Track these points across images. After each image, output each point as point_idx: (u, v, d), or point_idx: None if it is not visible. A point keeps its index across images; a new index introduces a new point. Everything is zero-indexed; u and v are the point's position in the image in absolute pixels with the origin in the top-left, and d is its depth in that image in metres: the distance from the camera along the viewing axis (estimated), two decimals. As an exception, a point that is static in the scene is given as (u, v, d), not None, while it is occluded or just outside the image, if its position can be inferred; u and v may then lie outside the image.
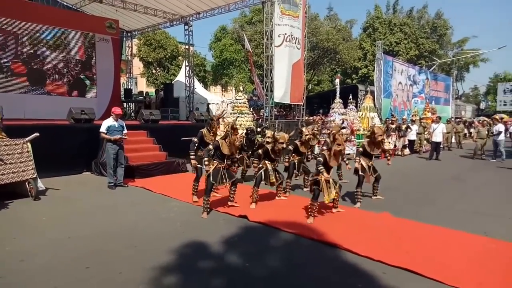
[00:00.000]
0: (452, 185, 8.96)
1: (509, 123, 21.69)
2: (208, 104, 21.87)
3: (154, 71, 31.63)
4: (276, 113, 17.25)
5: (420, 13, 36.80)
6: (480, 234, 5.05)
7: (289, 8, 13.95)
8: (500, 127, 13.78)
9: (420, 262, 4.00)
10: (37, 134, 6.90)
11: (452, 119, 24.18)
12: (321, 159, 5.68)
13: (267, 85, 13.59)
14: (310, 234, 4.90)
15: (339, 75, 22.06)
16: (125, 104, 20.72)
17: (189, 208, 6.34)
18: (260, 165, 6.60)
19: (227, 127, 5.97)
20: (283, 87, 14.00)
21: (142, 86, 33.36)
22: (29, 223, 5.42)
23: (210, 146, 5.89)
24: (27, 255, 4.12)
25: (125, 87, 20.97)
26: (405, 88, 23.83)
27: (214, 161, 5.87)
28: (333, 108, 14.68)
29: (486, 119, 21.86)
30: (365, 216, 5.94)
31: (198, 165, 6.57)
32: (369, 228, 5.27)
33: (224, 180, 5.90)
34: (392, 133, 15.04)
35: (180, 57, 30.50)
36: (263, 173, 6.46)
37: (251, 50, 15.66)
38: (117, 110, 8.24)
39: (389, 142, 14.71)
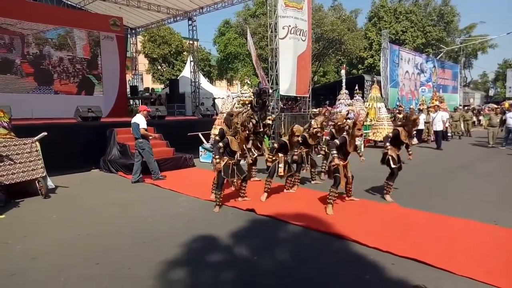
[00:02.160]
0: (461, 174, 8.87)
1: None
2: (214, 98, 21.89)
3: (159, 67, 31.70)
4: (282, 106, 17.18)
5: (426, 0, 36.22)
6: (489, 223, 5.00)
7: (293, 0, 13.83)
8: None
9: (429, 252, 3.98)
10: (45, 133, 6.97)
11: (460, 106, 23.88)
12: (336, 142, 5.70)
13: (272, 78, 13.54)
14: (317, 226, 4.91)
15: (344, 66, 21.85)
16: (131, 101, 20.85)
17: (197, 203, 6.37)
18: (274, 158, 6.56)
19: (237, 124, 6.01)
20: (289, 79, 13.93)
21: (148, 82, 33.49)
22: (39, 221, 5.50)
23: (220, 144, 5.90)
24: (38, 253, 4.19)
25: (131, 84, 21.08)
26: (412, 77, 23.57)
27: (224, 157, 5.91)
28: (339, 99, 14.60)
29: (496, 106, 21.52)
30: (372, 207, 5.91)
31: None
32: (377, 219, 5.25)
33: (235, 176, 5.98)
34: (399, 122, 14.89)
35: (185, 53, 30.49)
36: (277, 164, 6.47)
37: (254, 53, 15.57)
38: (147, 108, 8.80)
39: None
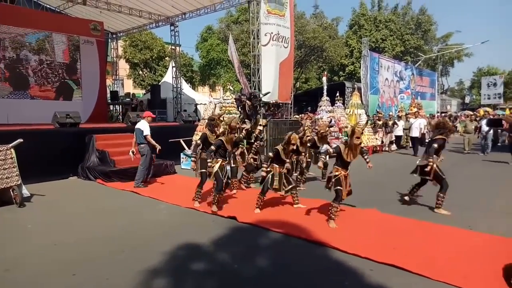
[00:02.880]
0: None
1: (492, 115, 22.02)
2: (196, 104, 21.78)
3: (140, 72, 31.36)
4: (264, 112, 17.23)
5: (404, 9, 37.23)
6: (464, 228, 5.14)
7: (275, 7, 13.96)
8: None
9: (407, 257, 4.05)
10: (20, 140, 6.78)
11: (437, 113, 24.52)
12: (329, 149, 5.63)
13: (254, 84, 13.60)
14: (298, 234, 4.93)
15: (326, 73, 22.17)
16: (111, 107, 20.52)
17: (178, 211, 6.31)
18: (268, 169, 6.07)
19: (226, 125, 6.20)
20: (271, 86, 14.01)
21: (129, 87, 33.08)
22: (14, 230, 5.33)
23: (212, 147, 5.99)
24: (12, 264, 4.05)
25: (111, 89, 20.76)
26: (391, 84, 24.09)
27: (218, 159, 6.04)
28: (320, 106, 14.76)
29: (471, 113, 22.21)
30: (352, 213, 5.99)
31: (203, 170, 6.40)
32: (357, 225, 5.32)
33: (230, 176, 6.21)
34: (379, 129, 15.19)
35: (166, 58, 30.29)
36: (270, 178, 6.00)
37: (236, 60, 15.62)
38: (152, 114, 8.90)
39: (376, 138, 14.87)
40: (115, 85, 21.52)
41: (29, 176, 7.47)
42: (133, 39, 28.41)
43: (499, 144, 16.75)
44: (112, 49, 21.05)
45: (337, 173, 5.33)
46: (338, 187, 5.28)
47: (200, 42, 33.58)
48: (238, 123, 6.67)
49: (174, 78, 18.96)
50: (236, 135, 6.37)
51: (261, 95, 9.37)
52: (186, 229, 5.27)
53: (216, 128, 6.65)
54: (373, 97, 21.11)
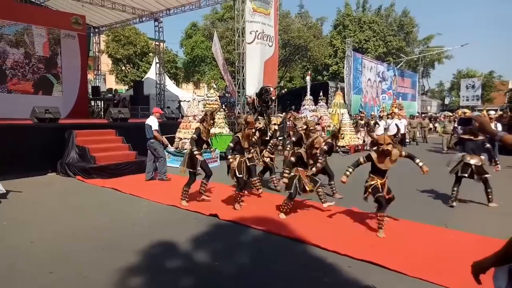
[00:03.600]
0: (415, 178, 9.27)
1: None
2: (180, 101, 21.62)
3: (123, 68, 30.89)
4: (248, 110, 17.26)
5: (387, 11, 37.79)
6: (440, 226, 5.28)
7: (260, 6, 13.98)
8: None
9: (384, 254, 4.14)
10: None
11: (418, 114, 25.03)
12: (362, 159, 5.15)
13: (239, 82, 13.59)
14: (279, 231, 4.97)
15: (309, 72, 22.32)
16: (92, 102, 20.17)
17: (159, 208, 6.26)
18: (293, 174, 5.75)
19: (243, 120, 6.07)
20: (255, 84, 14.03)
21: (111, 83, 32.52)
22: (-12, 228, 5.19)
23: (231, 144, 5.93)
24: (-15, 262, 3.95)
25: (92, 85, 20.40)
26: (374, 85, 24.48)
27: (236, 156, 5.98)
28: (304, 105, 14.87)
29: (450, 114, 22.77)
30: (333, 211, 6.05)
31: (191, 170, 6.26)
32: (337, 223, 5.39)
33: (246, 175, 6.03)
34: (361, 128, 15.40)
35: (150, 54, 29.92)
36: (297, 182, 5.64)
37: (221, 57, 15.60)
38: (160, 110, 9.09)
39: (358, 138, 15.08)
40: (97, 81, 21.16)
41: (5, 172, 7.29)
42: (116, 34, 27.95)
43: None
44: (94, 44, 20.69)
45: (372, 182, 5.05)
46: (378, 195, 4.97)
47: (185, 39, 33.29)
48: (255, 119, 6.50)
49: (157, 75, 18.77)
50: (253, 130, 6.21)
51: (271, 89, 8.85)
52: (167, 227, 5.23)
53: (206, 124, 6.32)
54: (356, 97, 21.40)
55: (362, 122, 15.57)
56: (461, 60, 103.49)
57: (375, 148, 5.15)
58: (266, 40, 14.27)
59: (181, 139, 10.77)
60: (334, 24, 37.51)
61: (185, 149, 10.42)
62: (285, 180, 5.79)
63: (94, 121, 13.59)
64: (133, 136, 10.47)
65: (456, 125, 14.27)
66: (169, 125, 11.89)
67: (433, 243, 4.57)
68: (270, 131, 7.59)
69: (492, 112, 14.71)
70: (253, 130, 6.27)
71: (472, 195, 6.98)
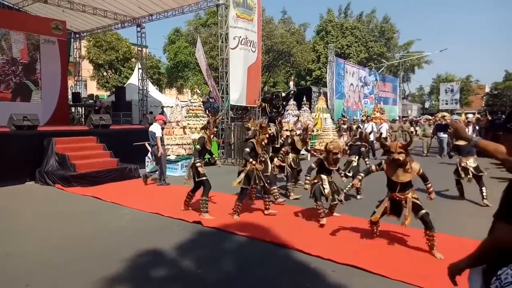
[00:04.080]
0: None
1: (449, 120, 23.18)
2: (163, 107, 21.44)
3: (105, 73, 30.46)
4: (232, 115, 17.25)
5: (369, 17, 38.49)
6: (421, 229, 5.34)
7: (244, 12, 14.03)
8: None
9: (367, 258, 4.17)
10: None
11: (399, 118, 25.49)
12: (371, 166, 4.86)
13: (222, 87, 13.57)
14: (263, 237, 4.96)
15: (293, 77, 22.55)
16: (73, 109, 19.80)
17: (141, 216, 6.16)
18: (315, 180, 5.68)
19: (256, 126, 5.96)
20: (239, 89, 14.04)
21: (92, 89, 32.04)
22: (-38, 240, 5.00)
23: (247, 149, 5.84)
24: (-42, 276, 3.80)
25: (73, 91, 20.03)
26: (356, 89, 24.84)
27: (253, 161, 5.89)
28: (287, 110, 14.95)
29: (430, 117, 23.26)
30: (316, 215, 6.07)
31: (200, 179, 5.97)
32: (320, 228, 5.41)
33: (257, 182, 5.92)
34: (343, 133, 15.55)
35: (133, 59, 29.61)
36: (321, 187, 5.56)
37: (204, 63, 15.58)
38: (163, 117, 9.46)
39: (342, 142, 15.21)
40: (78, 87, 20.77)
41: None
42: (98, 39, 27.56)
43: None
44: (75, 49, 20.35)
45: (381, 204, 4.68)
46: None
47: (168, 44, 33.11)
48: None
49: (140, 80, 18.58)
50: (267, 136, 6.07)
51: (283, 94, 8.57)
52: (149, 235, 5.16)
53: (209, 132, 6.16)
54: (339, 102, 21.65)
55: (345, 126, 15.72)
56: (440, 65, 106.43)
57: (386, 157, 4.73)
58: (250, 46, 14.33)
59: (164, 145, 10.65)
60: (316, 30, 37.98)
61: (168, 155, 10.33)
62: (307, 187, 5.77)
63: (74, 128, 13.33)
64: (115, 143, 10.33)
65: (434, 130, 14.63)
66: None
67: (415, 247, 4.63)
68: (282, 138, 7.34)
69: (470, 116, 15.10)
70: (267, 136, 6.09)
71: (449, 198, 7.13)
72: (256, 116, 15.89)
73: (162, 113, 19.93)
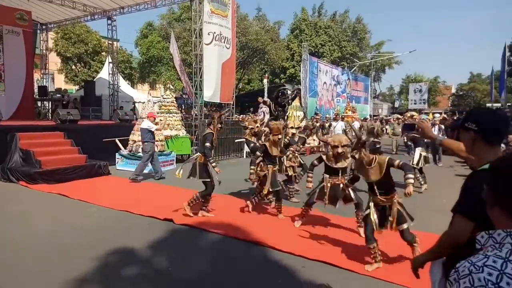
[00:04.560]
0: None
1: (417, 120, 23.96)
2: (134, 102, 20.99)
3: (73, 67, 29.42)
4: (206, 112, 17.11)
5: (342, 17, 39.14)
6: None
7: (218, 7, 13.90)
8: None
9: (337, 254, 4.25)
10: None
11: (370, 116, 26.11)
12: (313, 162, 4.80)
13: (196, 84, 13.42)
14: (236, 234, 4.95)
15: (267, 75, 22.63)
16: (39, 103, 19.02)
17: (110, 214, 6.00)
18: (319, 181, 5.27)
19: (268, 128, 5.67)
20: (213, 86, 13.93)
21: (60, 83, 30.87)
22: None
23: (258, 153, 5.63)
24: None
25: (39, 84, 19.24)
26: (329, 88, 25.22)
27: (268, 166, 5.67)
28: (261, 108, 14.97)
29: (400, 116, 23.98)
30: (289, 213, 6.12)
31: (206, 180, 5.73)
32: (291, 225, 5.46)
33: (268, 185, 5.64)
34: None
35: (103, 53, 28.73)
36: (318, 190, 5.11)
37: (178, 58, 15.36)
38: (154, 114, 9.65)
39: (314, 140, 15.44)
40: (44, 80, 19.95)
41: None
42: (66, 32, 26.53)
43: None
44: (42, 41, 19.52)
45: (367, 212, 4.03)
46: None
47: (140, 38, 32.37)
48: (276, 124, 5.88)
49: (111, 75, 18.06)
50: (279, 136, 5.65)
51: (289, 92, 8.13)
52: (119, 233, 5.03)
53: (213, 127, 5.87)
54: (312, 100, 21.91)
55: (318, 124, 15.96)
56: (410, 66, 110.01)
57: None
58: (224, 42, 14.22)
59: (135, 141, 10.42)
60: (291, 28, 38.23)
61: (139, 152, 10.12)
62: (309, 185, 5.25)
63: (40, 123, 12.78)
64: (83, 139, 10.01)
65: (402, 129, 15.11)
66: (123, 127, 11.49)
67: (382, 242, 4.75)
68: (287, 137, 6.68)
69: (437, 115, 15.68)
70: (280, 136, 5.68)
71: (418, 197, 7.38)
72: (230, 113, 15.85)
73: (134, 108, 19.54)
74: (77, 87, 28.93)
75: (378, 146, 6.26)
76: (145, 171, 9.09)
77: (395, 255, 4.26)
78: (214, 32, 13.68)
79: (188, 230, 5.22)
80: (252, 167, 5.76)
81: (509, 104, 25.75)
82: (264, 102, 8.04)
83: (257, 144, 6.44)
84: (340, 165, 4.96)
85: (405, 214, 4.00)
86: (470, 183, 1.60)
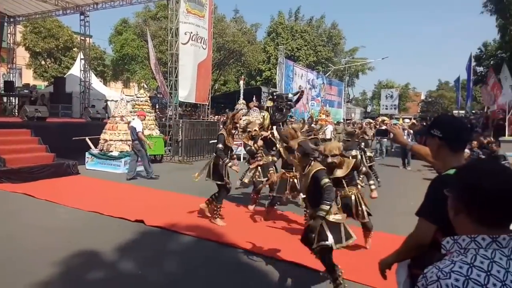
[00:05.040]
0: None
1: (389, 124, 24.65)
2: (107, 100, 20.48)
3: (43, 62, 28.37)
4: (181, 112, 16.92)
5: (318, 22, 39.74)
6: (358, 226, 5.63)
7: (195, 7, 13.80)
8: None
9: (307, 255, 4.29)
10: None
11: (343, 120, 26.63)
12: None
13: (171, 83, 13.26)
14: (208, 236, 4.92)
15: (243, 77, 22.63)
16: (5, 99, 18.20)
17: (79, 215, 5.82)
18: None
19: (259, 131, 5.59)
20: (188, 86, 13.79)
21: (28, 78, 29.66)
22: None
23: (271, 158, 5.46)
24: None
25: (5, 79, 18.43)
26: (304, 91, 25.50)
27: (290, 172, 5.52)
28: (237, 109, 14.98)
29: (371, 121, 24.59)
30: (261, 215, 6.15)
31: (219, 182, 5.48)
32: (265, 227, 5.49)
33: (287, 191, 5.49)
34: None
35: (75, 49, 27.86)
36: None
37: (153, 57, 15.15)
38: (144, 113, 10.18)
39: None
40: (11, 75, 19.14)
41: None
42: (36, 26, 25.55)
43: (393, 150, 18.88)
44: (9, 35, 18.74)
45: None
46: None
47: (114, 35, 31.62)
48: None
49: (82, 71, 17.57)
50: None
51: (290, 95, 7.54)
52: (87, 235, 4.89)
53: (230, 129, 5.56)
54: (287, 103, 22.07)
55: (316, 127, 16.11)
56: (382, 72, 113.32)
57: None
58: (200, 43, 14.13)
59: (106, 140, 10.16)
60: (267, 31, 38.45)
61: (111, 151, 9.88)
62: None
63: (5, 119, 12.22)
64: (52, 137, 9.68)
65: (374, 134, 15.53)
66: (94, 126, 11.22)
67: (359, 246, 4.82)
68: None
69: (407, 121, 16.21)
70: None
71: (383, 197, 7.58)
72: (206, 114, 15.76)
73: (106, 107, 19.07)
74: (46, 83, 27.91)
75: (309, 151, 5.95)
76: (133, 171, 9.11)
77: (362, 257, 4.36)
78: (191, 32, 13.57)
79: (159, 232, 5.14)
80: (272, 169, 5.74)
81: (474, 111, 26.96)
82: (261, 107, 7.73)
83: (253, 147, 6.21)
84: (340, 173, 4.41)
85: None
86: (433, 187, 1.66)
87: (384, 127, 14.47)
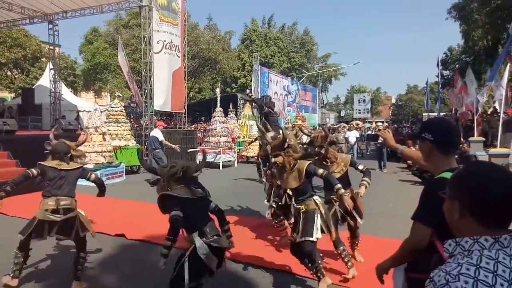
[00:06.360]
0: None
1: (362, 128, 25.21)
2: (78, 111, 19.90)
3: (9, 73, 27.31)
4: (156, 121, 16.65)
5: (291, 29, 40.35)
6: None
7: (168, 15, 13.70)
8: (354, 133, 16.37)
9: (295, 263, 4.29)
10: None
11: (318, 125, 27.01)
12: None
13: (146, 92, 13.05)
14: (191, 246, 4.82)
15: (219, 84, 22.60)
16: (-31, 112, 17.35)
17: (54, 231, 5.57)
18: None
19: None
20: (164, 95, 13.63)
21: (-6, 90, 28.50)
22: None
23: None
24: None
25: (-31, 91, 17.61)
26: (280, 98, 25.74)
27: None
28: (214, 117, 14.92)
29: (346, 125, 25.07)
30: (246, 222, 6.11)
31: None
32: (250, 235, 5.44)
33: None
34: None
35: (43, 59, 27.00)
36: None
37: (127, 66, 14.89)
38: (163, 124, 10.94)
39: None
40: (-25, 87, 18.32)
41: None
42: (0, 35, 24.63)
43: (368, 153, 19.32)
44: (-29, 44, 17.94)
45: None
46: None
47: (84, 45, 30.90)
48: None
49: (52, 82, 17.02)
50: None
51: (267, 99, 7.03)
52: (64, 250, 4.68)
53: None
54: (264, 109, 22.18)
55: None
56: (354, 77, 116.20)
57: None
58: (175, 51, 14.02)
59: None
60: (241, 39, 38.66)
61: (86, 163, 9.57)
62: None
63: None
64: (22, 150, 9.26)
65: (351, 136, 15.92)
66: (66, 138, 10.78)
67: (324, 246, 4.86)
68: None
69: (379, 124, 16.60)
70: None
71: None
72: (182, 122, 15.58)
73: (78, 117, 18.53)
74: (13, 94, 26.87)
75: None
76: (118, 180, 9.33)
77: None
78: (164, 40, 13.45)
79: (141, 245, 5.01)
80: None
81: (443, 113, 27.98)
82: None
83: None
84: (337, 175, 4.28)
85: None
86: (429, 191, 1.68)
87: (374, 132, 14.82)
